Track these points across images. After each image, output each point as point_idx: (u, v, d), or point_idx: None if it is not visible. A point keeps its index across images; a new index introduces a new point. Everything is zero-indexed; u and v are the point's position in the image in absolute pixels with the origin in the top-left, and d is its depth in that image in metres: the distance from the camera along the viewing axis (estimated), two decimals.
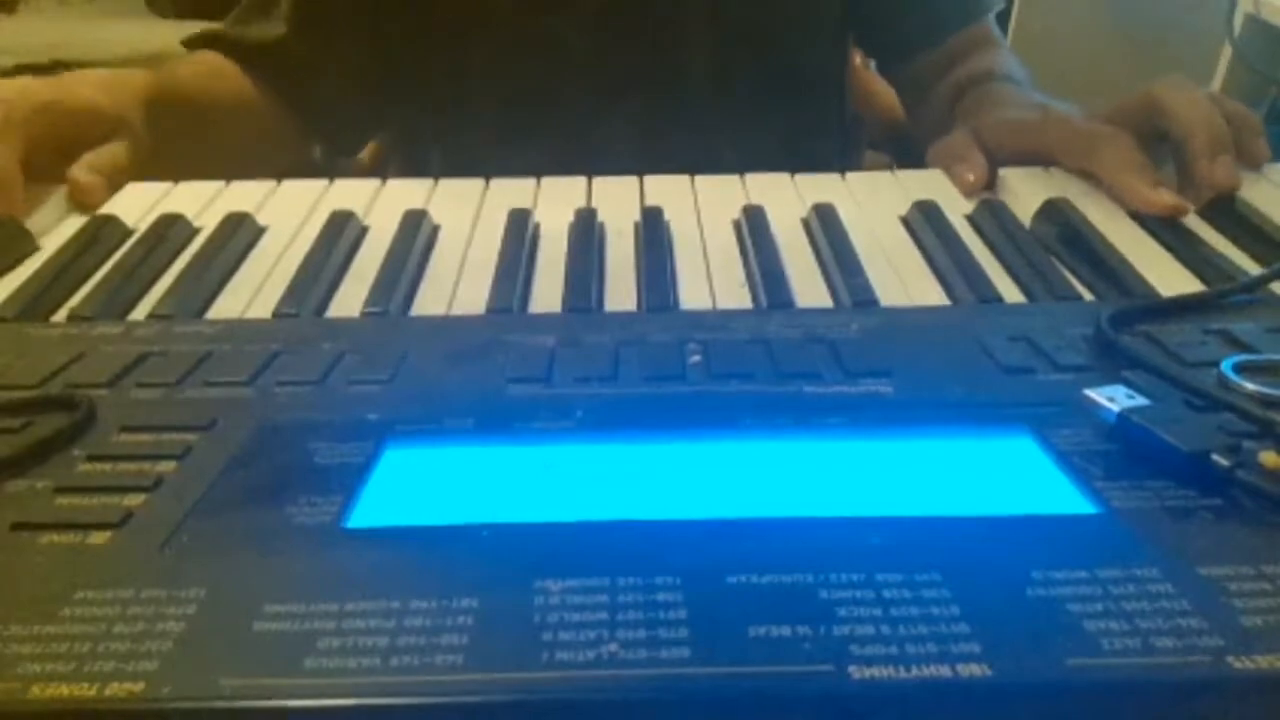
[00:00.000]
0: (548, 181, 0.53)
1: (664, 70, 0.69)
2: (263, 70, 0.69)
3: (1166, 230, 0.47)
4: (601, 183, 0.53)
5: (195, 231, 0.48)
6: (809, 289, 0.42)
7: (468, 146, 0.71)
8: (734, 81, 0.71)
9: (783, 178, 0.53)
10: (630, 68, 0.68)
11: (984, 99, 0.66)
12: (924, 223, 0.47)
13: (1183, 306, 0.39)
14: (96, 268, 0.45)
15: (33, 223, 0.49)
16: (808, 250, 0.46)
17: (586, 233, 0.46)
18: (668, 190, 0.52)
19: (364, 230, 0.48)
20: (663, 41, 0.70)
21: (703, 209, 0.50)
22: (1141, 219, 0.48)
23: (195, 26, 0.72)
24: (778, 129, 0.71)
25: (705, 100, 0.67)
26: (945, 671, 0.21)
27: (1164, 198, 0.48)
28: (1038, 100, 0.62)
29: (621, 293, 0.42)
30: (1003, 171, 0.54)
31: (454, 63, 0.70)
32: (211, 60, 0.69)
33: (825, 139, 0.78)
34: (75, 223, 0.48)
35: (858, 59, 0.91)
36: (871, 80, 0.93)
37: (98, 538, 0.26)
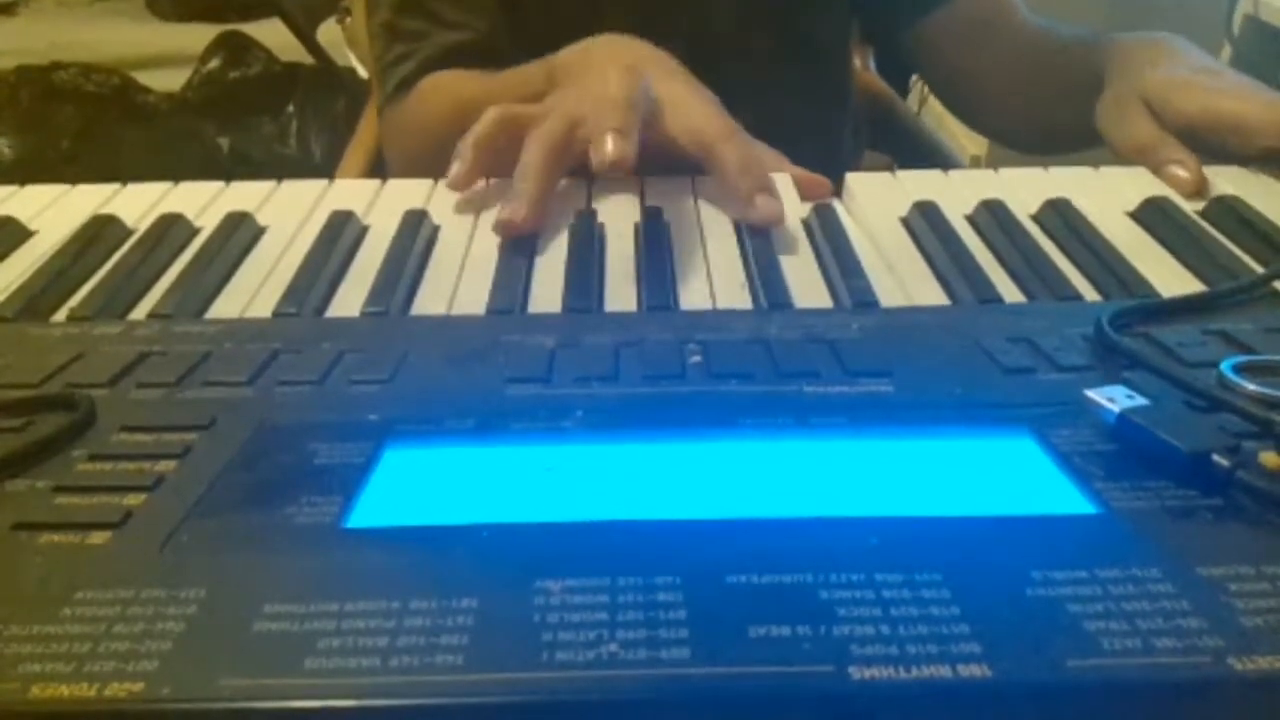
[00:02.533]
0: None
1: (689, 31, 0.70)
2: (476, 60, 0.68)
3: (1166, 230, 0.47)
4: (602, 184, 0.53)
5: (195, 231, 0.48)
6: (809, 290, 0.42)
7: None
8: (752, 45, 0.72)
9: (783, 179, 0.53)
10: (658, 27, 0.69)
11: (1138, 53, 0.60)
12: (924, 223, 0.47)
13: (1183, 307, 0.39)
14: (97, 267, 0.45)
15: (34, 222, 0.49)
16: (808, 251, 0.46)
17: (586, 233, 0.46)
18: (668, 191, 0.52)
19: (364, 230, 0.48)
20: (689, 4, 0.70)
21: (703, 209, 0.50)
22: (1141, 219, 0.48)
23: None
24: (792, 94, 0.72)
25: (726, 61, 0.68)
26: (945, 672, 0.21)
27: None
28: (1203, 60, 0.59)
29: (621, 293, 0.42)
30: (1002, 171, 0.54)
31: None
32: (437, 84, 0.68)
33: (835, 112, 0.79)
34: (75, 222, 0.48)
35: (857, 61, 0.91)
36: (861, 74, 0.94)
37: (97, 538, 0.26)
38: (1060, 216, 0.48)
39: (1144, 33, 0.63)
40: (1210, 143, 0.53)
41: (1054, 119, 0.69)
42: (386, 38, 0.72)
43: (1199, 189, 0.51)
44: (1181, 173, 0.51)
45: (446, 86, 0.67)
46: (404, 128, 0.70)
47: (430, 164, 0.55)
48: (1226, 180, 0.52)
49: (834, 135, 0.80)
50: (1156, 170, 0.53)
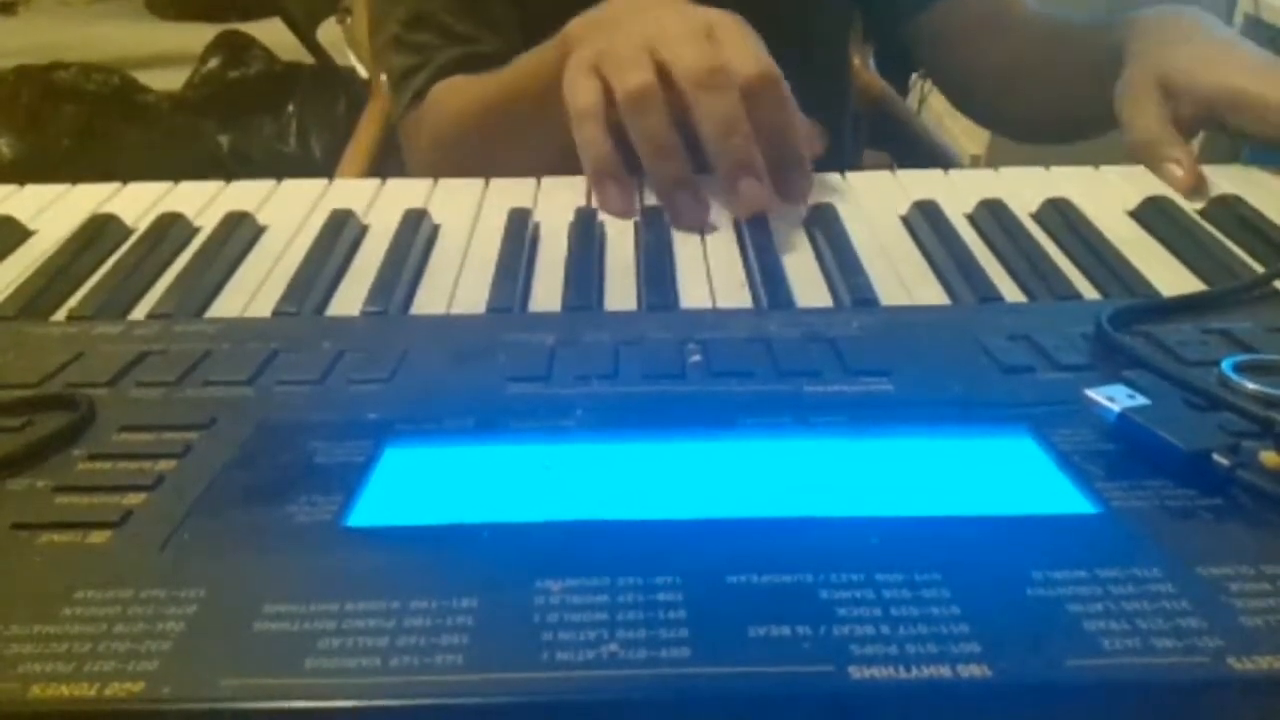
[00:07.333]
0: (548, 181, 0.53)
1: None
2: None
3: (1167, 230, 0.47)
4: None
5: (195, 231, 0.48)
6: (809, 288, 0.42)
7: None
8: None
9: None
10: None
11: (1156, 31, 0.59)
12: (924, 222, 0.47)
13: (1183, 306, 0.39)
14: (96, 267, 0.45)
15: (34, 221, 0.49)
16: (808, 249, 0.46)
17: (586, 232, 0.46)
18: None
19: (364, 229, 0.48)
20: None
21: None
22: (1141, 218, 0.48)
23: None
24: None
25: None
26: (945, 672, 0.21)
27: None
28: (1226, 34, 0.58)
29: (621, 292, 0.42)
30: (1003, 170, 0.54)
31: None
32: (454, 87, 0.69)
33: (833, 111, 0.79)
34: (75, 222, 0.48)
35: (856, 60, 0.91)
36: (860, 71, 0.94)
37: (97, 537, 0.26)
38: (1060, 215, 0.48)
39: (1164, 7, 0.61)
40: (1228, 121, 0.53)
41: (1076, 104, 0.69)
42: (396, 51, 0.72)
43: (1194, 187, 0.51)
44: (1178, 171, 0.52)
45: (462, 88, 0.68)
46: (423, 134, 0.70)
47: (453, 165, 0.55)
48: (1226, 180, 0.52)
49: (833, 134, 0.80)
50: (1154, 166, 0.53)
